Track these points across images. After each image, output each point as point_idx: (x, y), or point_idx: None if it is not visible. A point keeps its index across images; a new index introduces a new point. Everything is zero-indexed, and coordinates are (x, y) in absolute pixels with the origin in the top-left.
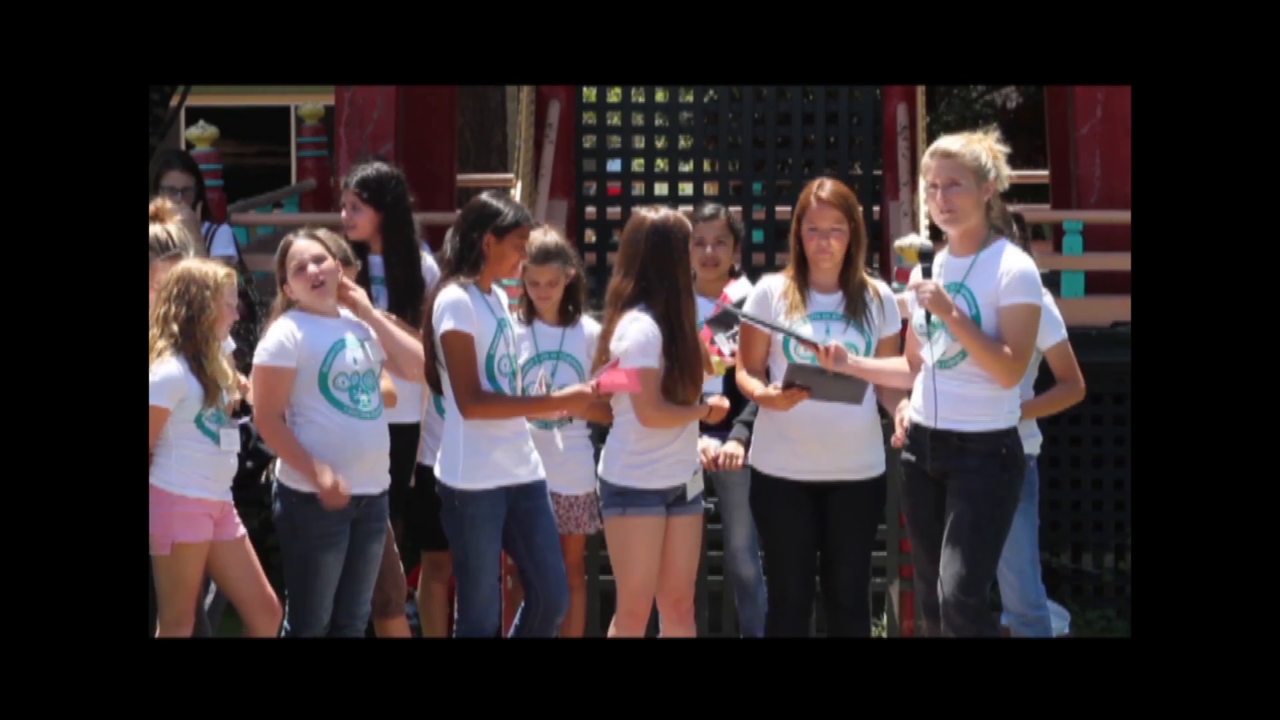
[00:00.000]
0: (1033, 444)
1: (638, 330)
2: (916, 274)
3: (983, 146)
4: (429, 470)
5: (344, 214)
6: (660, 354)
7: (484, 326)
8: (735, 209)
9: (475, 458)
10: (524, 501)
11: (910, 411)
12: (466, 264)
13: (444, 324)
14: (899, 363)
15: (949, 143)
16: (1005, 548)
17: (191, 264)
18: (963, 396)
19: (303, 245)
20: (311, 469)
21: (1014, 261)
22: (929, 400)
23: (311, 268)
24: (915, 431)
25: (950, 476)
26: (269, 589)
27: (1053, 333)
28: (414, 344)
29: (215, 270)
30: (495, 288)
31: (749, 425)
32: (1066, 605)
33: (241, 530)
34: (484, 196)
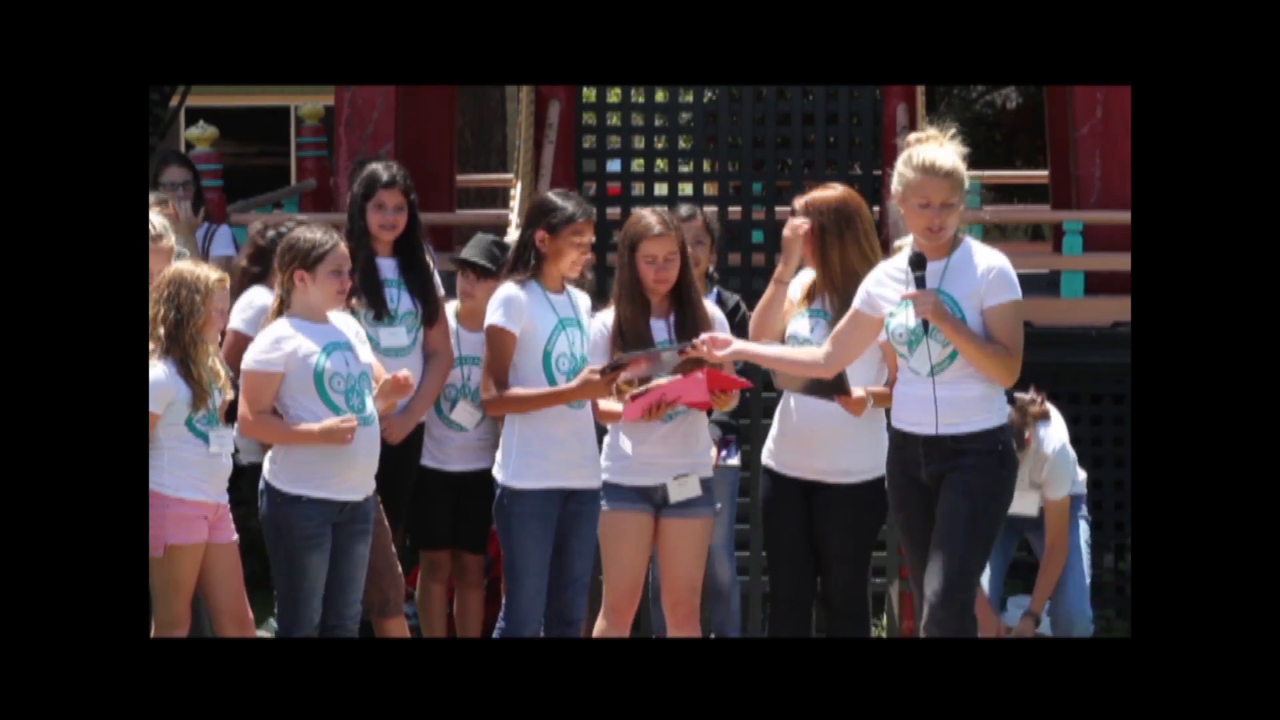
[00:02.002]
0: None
1: (593, 329)
2: (897, 282)
3: (959, 156)
4: (428, 471)
5: (385, 216)
6: (608, 354)
7: (538, 323)
8: (735, 209)
9: (527, 457)
10: (572, 505)
11: (896, 421)
12: (522, 261)
13: (489, 318)
14: (804, 352)
15: (941, 159)
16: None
17: (183, 266)
18: (957, 399)
19: (345, 252)
20: (314, 432)
21: (991, 259)
22: (923, 407)
23: (346, 279)
24: (904, 440)
25: (945, 476)
26: (246, 603)
27: (1065, 486)
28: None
29: (207, 274)
30: (571, 289)
31: (721, 425)
32: None
33: (234, 536)
34: (545, 194)
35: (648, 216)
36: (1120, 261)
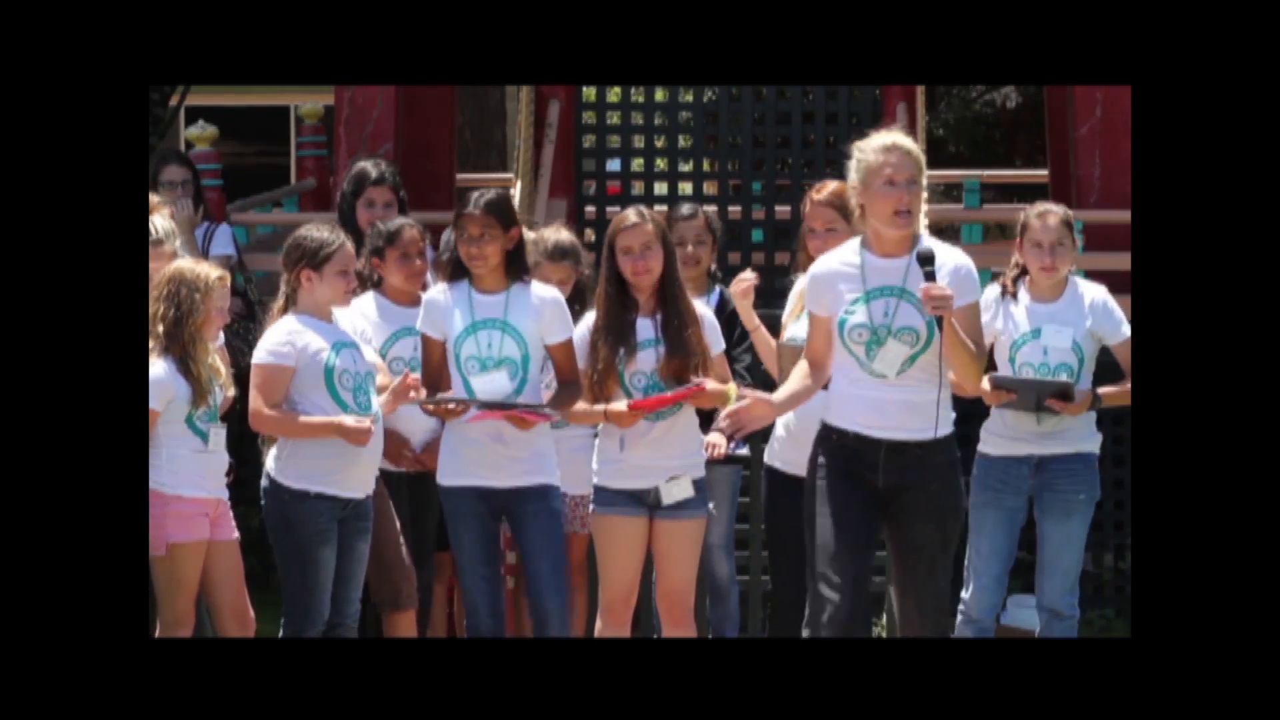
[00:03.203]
0: (1094, 442)
1: (576, 331)
2: (849, 278)
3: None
4: (431, 471)
5: (375, 213)
6: (587, 354)
7: (448, 326)
8: (735, 208)
9: (448, 454)
10: (516, 506)
11: (846, 423)
12: (450, 264)
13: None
14: (798, 385)
15: (901, 138)
16: (1059, 545)
17: (184, 264)
18: (919, 404)
19: (351, 251)
20: (331, 425)
21: (957, 258)
22: (883, 411)
23: (353, 278)
24: (858, 443)
25: (907, 492)
26: (247, 600)
27: (1122, 329)
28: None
29: (207, 272)
30: (526, 286)
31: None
32: None
33: (235, 534)
34: None
35: (625, 210)
36: (1120, 261)
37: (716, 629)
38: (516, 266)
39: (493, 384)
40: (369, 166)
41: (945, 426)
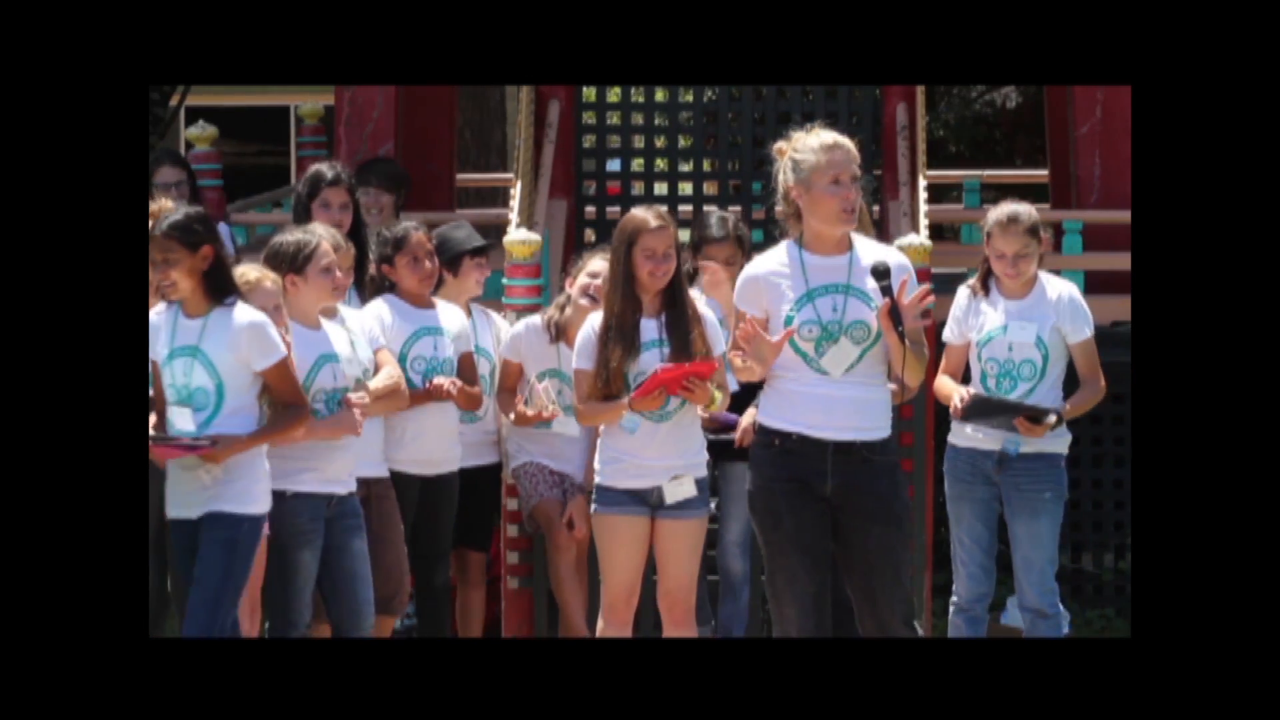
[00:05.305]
0: (1061, 443)
1: (582, 330)
2: (784, 278)
3: None
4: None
5: (331, 214)
6: (594, 354)
7: (158, 350)
8: (735, 208)
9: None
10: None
11: (789, 424)
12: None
13: None
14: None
15: (839, 135)
16: (1030, 545)
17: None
18: (866, 402)
19: (329, 248)
20: (329, 427)
21: (897, 255)
22: (830, 408)
23: (337, 274)
24: (802, 446)
25: (856, 496)
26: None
27: (1084, 330)
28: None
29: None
30: (238, 313)
31: None
32: (1066, 605)
33: None
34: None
35: (644, 212)
36: (1120, 261)
37: (724, 626)
38: (217, 288)
39: (184, 417)
40: (325, 168)
41: (888, 426)
